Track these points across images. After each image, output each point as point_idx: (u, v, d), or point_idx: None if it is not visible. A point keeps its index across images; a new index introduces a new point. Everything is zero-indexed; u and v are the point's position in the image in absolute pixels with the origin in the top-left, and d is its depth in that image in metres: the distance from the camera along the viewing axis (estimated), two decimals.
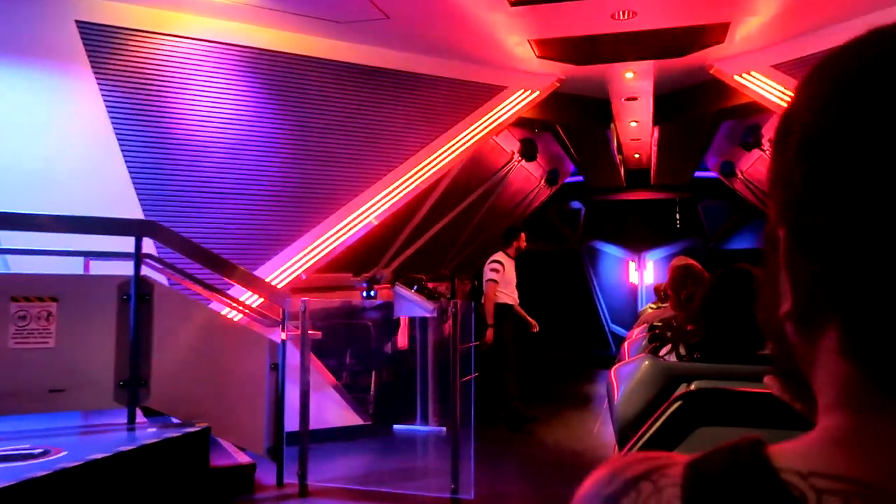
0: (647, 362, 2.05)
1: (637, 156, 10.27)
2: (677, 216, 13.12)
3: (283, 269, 5.46)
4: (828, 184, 0.40)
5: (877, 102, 0.39)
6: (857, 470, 0.40)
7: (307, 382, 4.31)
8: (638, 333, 3.90)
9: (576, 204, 13.00)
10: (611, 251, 13.09)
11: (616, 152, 9.30)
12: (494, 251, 6.72)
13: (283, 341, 4.28)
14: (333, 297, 6.60)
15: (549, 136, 8.47)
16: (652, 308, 6.93)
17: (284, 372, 4.29)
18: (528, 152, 8.07)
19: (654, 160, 9.54)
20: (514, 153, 7.98)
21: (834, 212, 0.40)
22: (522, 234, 6.68)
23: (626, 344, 3.79)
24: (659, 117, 7.41)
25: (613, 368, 2.40)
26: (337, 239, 5.79)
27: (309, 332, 4.40)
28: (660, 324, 3.47)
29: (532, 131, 7.46)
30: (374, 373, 6.40)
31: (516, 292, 6.69)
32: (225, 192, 5.25)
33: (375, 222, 5.97)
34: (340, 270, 6.72)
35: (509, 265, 6.63)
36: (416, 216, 7.08)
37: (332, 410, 5.45)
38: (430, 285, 8.98)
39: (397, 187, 5.93)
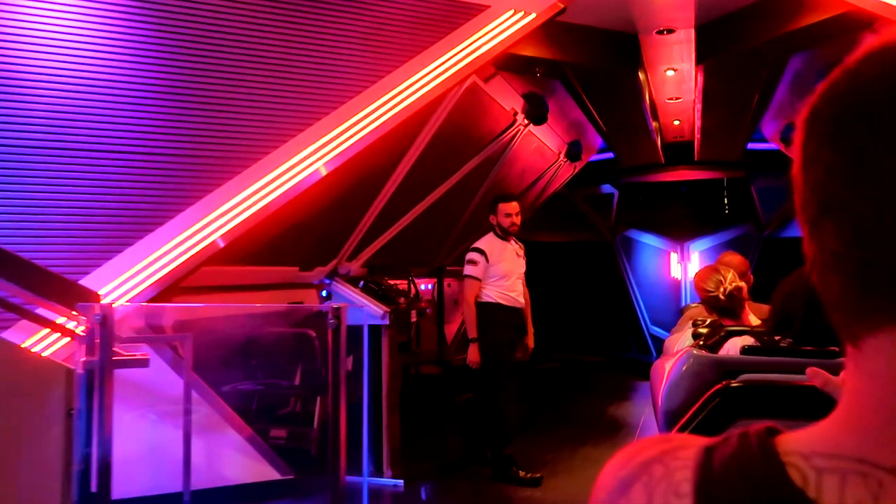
0: (692, 355, 2.00)
1: (677, 122, 8.33)
2: (726, 199, 11.10)
3: (170, 248, 3.72)
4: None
5: None
6: (852, 446, 0.40)
7: (107, 436, 2.56)
8: (682, 330, 3.56)
9: (607, 188, 11.08)
10: (649, 241, 11.19)
11: (650, 117, 7.39)
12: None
13: (88, 372, 2.55)
14: (269, 298, 4.89)
15: (564, 96, 6.63)
16: (695, 306, 5.23)
17: (87, 419, 2.57)
18: (534, 111, 6.22)
19: (698, 125, 7.58)
20: (515, 112, 6.15)
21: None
22: (501, 206, 4.82)
23: (669, 339, 3.60)
24: (703, 54, 5.50)
25: (657, 361, 2.62)
26: (258, 201, 4.02)
27: (138, 356, 2.69)
28: (702, 321, 3.01)
29: (534, 75, 5.62)
30: (318, 400, 4.66)
31: (519, 285, 4.83)
32: (68, 149, 3.56)
33: (324, 171, 4.21)
34: (282, 262, 5.01)
35: (499, 250, 4.77)
36: (385, 190, 5.32)
37: (233, 462, 3.73)
38: (418, 282, 7.22)
39: (338, 136, 4.17)
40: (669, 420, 1.90)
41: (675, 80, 6.57)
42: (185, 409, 3.45)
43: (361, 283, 4.07)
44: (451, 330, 8.09)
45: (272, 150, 4.08)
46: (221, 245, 3.99)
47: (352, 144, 4.26)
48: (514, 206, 4.87)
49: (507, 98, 5.93)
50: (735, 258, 3.97)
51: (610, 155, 9.55)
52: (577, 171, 9.21)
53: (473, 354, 4.56)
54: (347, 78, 4.25)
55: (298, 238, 4.93)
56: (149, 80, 3.73)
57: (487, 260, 4.72)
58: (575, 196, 11.00)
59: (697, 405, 1.48)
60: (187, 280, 4.02)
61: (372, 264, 6.16)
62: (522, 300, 4.86)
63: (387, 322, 3.92)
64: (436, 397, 6.33)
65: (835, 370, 0.65)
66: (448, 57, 4.34)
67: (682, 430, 1.41)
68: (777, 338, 2.30)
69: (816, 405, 0.62)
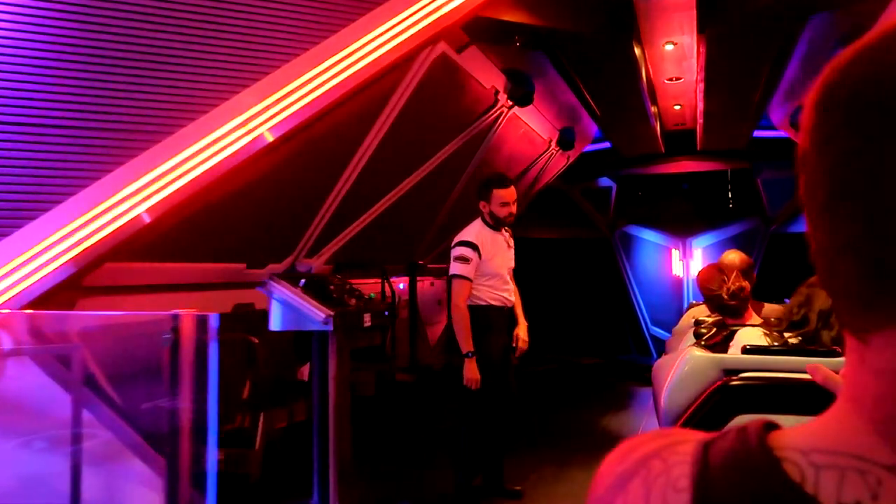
0: (694, 356, 1.98)
1: (678, 107, 7.64)
2: (730, 192, 10.42)
3: (67, 234, 3.04)
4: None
5: None
6: (850, 442, 0.40)
7: None
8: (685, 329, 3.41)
9: (605, 181, 10.40)
10: (649, 237, 10.55)
11: (648, 100, 6.71)
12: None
13: None
14: (207, 300, 4.23)
15: (553, 75, 5.94)
16: (699, 304, 4.68)
17: None
18: (519, 90, 5.55)
19: (700, 109, 6.89)
20: (496, 91, 5.47)
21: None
22: (497, 192, 4.03)
23: (672, 339, 3.53)
24: (706, 20, 4.81)
25: (659, 361, 2.51)
26: (188, 172, 3.35)
27: None
28: (705, 319, 2.83)
29: (514, 46, 4.92)
30: (262, 416, 3.99)
31: (511, 284, 4.12)
32: None
33: (270, 137, 3.55)
34: (224, 257, 4.35)
35: (490, 242, 4.02)
36: (348, 173, 4.66)
37: (136, 499, 3.06)
38: (398, 281, 6.56)
39: (284, 97, 3.51)
40: (672, 420, 1.87)
41: (674, 55, 5.89)
42: (72, 436, 2.79)
43: (302, 281, 3.40)
44: (434, 332, 7.44)
45: (201, 114, 3.41)
46: (147, 220, 3.32)
47: (301, 108, 3.59)
48: (511, 193, 4.06)
49: (487, 75, 5.25)
50: (738, 257, 3.89)
51: (606, 144, 8.86)
52: (570, 161, 8.54)
53: (471, 371, 3.75)
54: (293, 33, 3.58)
55: (244, 228, 4.27)
56: (43, 32, 3.06)
57: (480, 255, 3.94)
58: (570, 190, 10.34)
59: (698, 402, 1.47)
60: (102, 278, 3.37)
61: (338, 261, 5.51)
62: (514, 298, 4.18)
63: (329, 328, 3.25)
64: (409, 409, 5.67)
65: (836, 370, 0.59)
66: (409, 13, 3.66)
67: (683, 426, 1.29)
68: (787, 335, 2.17)
69: (816, 401, 0.55)
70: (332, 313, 3.28)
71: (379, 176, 5.00)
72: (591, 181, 10.36)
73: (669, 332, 7.41)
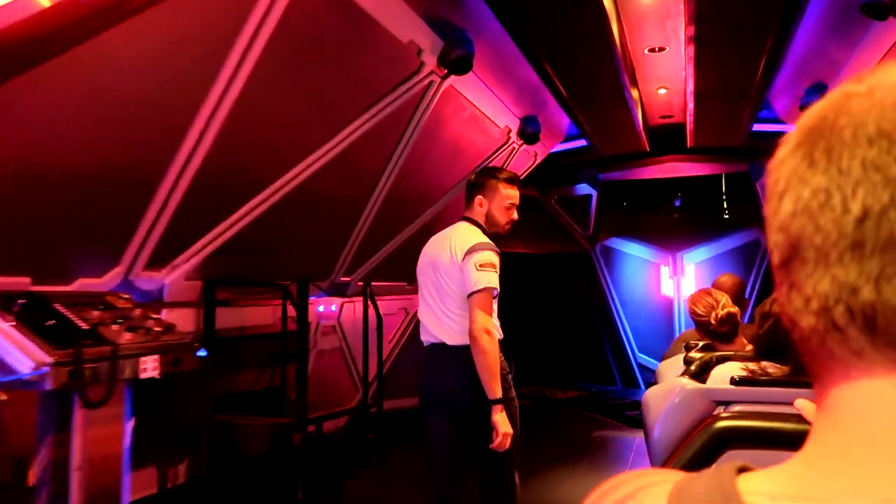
0: (683, 389, 1.92)
1: (663, 91, 6.29)
2: (724, 200, 9.05)
3: None
4: None
5: None
6: (816, 489, 0.39)
7: None
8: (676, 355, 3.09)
9: (584, 188, 9.02)
10: (635, 252, 9.27)
11: (627, 78, 5.34)
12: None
13: None
14: None
15: (501, 37, 4.56)
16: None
17: None
18: (450, 50, 4.17)
19: (690, 89, 5.50)
20: (418, 50, 4.08)
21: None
22: (503, 188, 2.92)
23: (662, 365, 3.30)
24: None
25: (650, 390, 2.23)
26: None
27: None
28: (695, 344, 2.80)
29: None
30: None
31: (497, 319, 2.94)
32: None
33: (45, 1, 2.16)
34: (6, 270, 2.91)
35: None
36: (193, 140, 3.26)
37: None
38: (317, 302, 5.14)
39: None
40: (662, 454, 1.80)
41: (656, 12, 4.55)
42: None
43: (20, 303, 1.98)
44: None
45: None
46: None
47: None
48: (517, 194, 3.00)
49: (401, 23, 3.84)
50: (729, 279, 3.75)
51: (583, 142, 7.48)
52: (538, 160, 7.16)
53: (507, 424, 2.67)
54: None
55: (27, 216, 2.85)
56: None
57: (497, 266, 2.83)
58: (545, 198, 8.96)
59: (688, 441, 1.45)
60: None
61: (212, 276, 4.09)
62: None
63: (45, 385, 1.84)
64: (304, 471, 4.21)
65: None
66: None
67: (674, 462, 1.35)
68: (765, 363, 2.04)
69: (805, 436, 0.51)
70: (49, 360, 1.85)
71: (254, 151, 3.61)
72: (568, 187, 8.98)
73: (658, 359, 6.01)
